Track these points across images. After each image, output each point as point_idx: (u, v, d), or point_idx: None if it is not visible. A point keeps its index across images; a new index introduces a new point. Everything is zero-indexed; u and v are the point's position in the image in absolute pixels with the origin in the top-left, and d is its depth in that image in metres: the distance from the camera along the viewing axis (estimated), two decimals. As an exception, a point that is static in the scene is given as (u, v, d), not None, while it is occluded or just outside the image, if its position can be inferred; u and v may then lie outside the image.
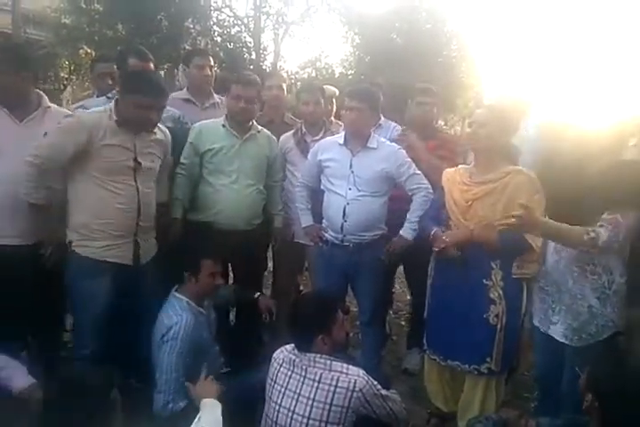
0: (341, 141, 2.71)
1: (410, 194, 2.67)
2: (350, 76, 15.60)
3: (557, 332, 2.09)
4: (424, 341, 2.51)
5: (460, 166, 2.53)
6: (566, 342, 2.05)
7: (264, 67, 14.58)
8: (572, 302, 2.05)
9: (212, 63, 3.35)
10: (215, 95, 3.35)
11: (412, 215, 2.66)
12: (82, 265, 2.29)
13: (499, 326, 2.25)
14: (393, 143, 2.78)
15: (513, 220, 1.94)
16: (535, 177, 2.26)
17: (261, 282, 3.40)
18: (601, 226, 1.91)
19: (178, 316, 2.18)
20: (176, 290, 2.33)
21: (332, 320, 1.90)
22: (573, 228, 1.95)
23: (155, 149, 2.44)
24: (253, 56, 14.50)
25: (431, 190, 2.64)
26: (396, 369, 3.10)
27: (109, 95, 2.90)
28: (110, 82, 3.16)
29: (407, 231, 2.66)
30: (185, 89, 3.35)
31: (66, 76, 9.62)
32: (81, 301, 2.34)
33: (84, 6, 9.63)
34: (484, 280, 2.26)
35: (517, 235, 2.18)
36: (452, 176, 2.45)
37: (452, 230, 2.34)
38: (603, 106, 2.35)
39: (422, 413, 2.57)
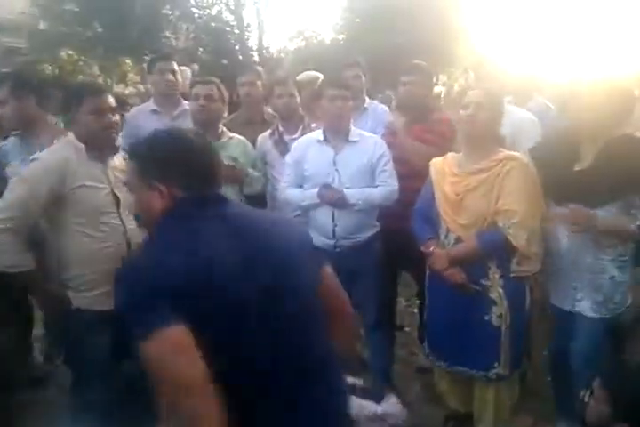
0: (321, 138, 2.54)
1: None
2: (342, 42, 15.04)
3: (585, 308, 2.09)
4: (425, 345, 2.40)
5: (448, 155, 2.33)
6: (596, 316, 2.06)
7: (249, 44, 14.16)
8: (594, 278, 2.06)
9: (176, 68, 3.18)
10: (184, 102, 3.17)
11: (367, 190, 2.45)
12: (83, 319, 2.07)
13: (503, 328, 2.12)
14: (372, 134, 2.64)
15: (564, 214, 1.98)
16: (528, 162, 2.12)
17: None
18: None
19: None
20: None
21: None
22: (617, 218, 1.97)
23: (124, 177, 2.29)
24: (237, 33, 14.08)
25: (396, 191, 2.49)
26: (410, 366, 2.96)
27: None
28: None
29: (352, 195, 2.42)
30: (151, 100, 3.19)
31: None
32: (89, 356, 2.07)
33: (57, 8, 9.36)
34: (482, 281, 2.13)
35: (498, 235, 2.05)
36: (440, 167, 2.27)
37: (433, 256, 2.20)
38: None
39: (438, 415, 2.45)
